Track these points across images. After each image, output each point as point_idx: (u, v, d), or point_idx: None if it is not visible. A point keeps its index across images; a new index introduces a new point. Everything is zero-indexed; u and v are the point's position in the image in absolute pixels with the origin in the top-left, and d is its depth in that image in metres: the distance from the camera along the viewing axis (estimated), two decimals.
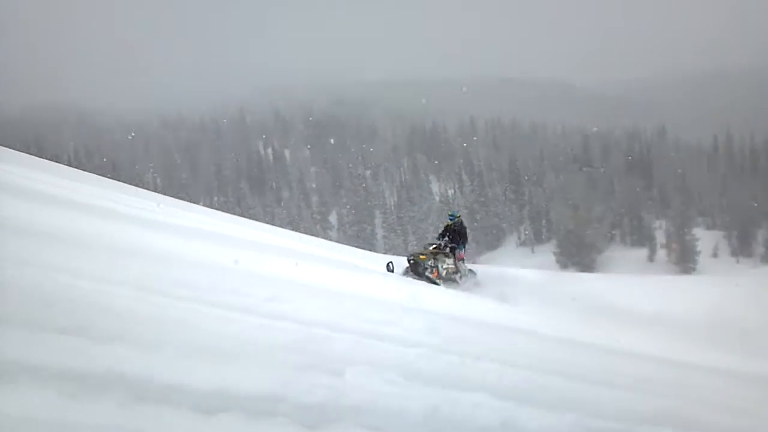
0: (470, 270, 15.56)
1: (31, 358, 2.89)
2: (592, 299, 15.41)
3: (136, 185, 29.73)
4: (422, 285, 12.20)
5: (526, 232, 73.95)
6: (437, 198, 79.38)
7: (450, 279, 14.42)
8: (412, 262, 14.24)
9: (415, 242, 69.00)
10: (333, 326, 4.85)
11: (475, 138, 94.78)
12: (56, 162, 26.82)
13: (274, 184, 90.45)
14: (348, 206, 79.72)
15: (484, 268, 18.01)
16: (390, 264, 14.53)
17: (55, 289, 3.90)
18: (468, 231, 15.87)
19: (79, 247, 5.63)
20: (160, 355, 3.33)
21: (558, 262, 62.71)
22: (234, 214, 37.44)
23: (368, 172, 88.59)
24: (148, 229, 9.19)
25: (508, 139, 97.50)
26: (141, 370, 3.10)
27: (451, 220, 15.67)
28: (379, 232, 76.83)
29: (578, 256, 61.80)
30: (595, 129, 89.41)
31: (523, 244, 73.47)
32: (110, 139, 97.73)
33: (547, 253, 65.36)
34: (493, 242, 74.24)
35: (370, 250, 38.53)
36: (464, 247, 15.51)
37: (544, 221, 73.66)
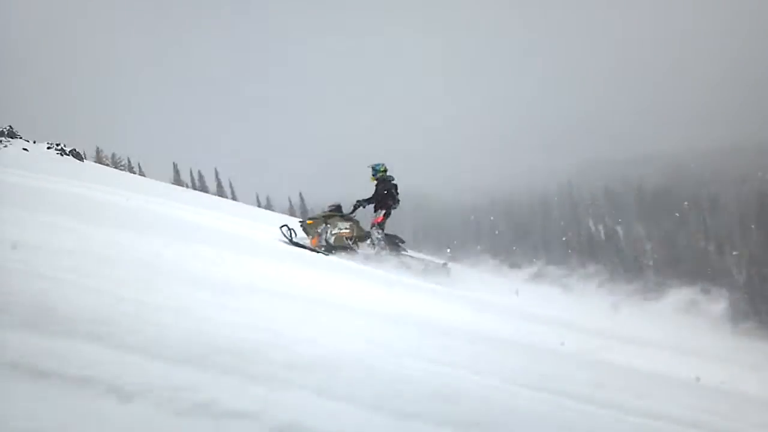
0: (444, 264, 12.76)
1: None
2: None
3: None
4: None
5: None
6: None
7: (343, 246, 12.41)
8: (302, 228, 12.77)
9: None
10: None
11: None
12: None
13: (606, 260, 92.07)
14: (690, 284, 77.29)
15: None
16: (286, 228, 12.60)
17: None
18: (395, 190, 12.95)
19: None
20: None
21: None
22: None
23: (711, 247, 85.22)
24: None
25: None
26: None
27: (374, 175, 13.03)
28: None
29: None
30: None
31: None
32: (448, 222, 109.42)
33: None
34: None
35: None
36: (386, 210, 12.95)
37: None
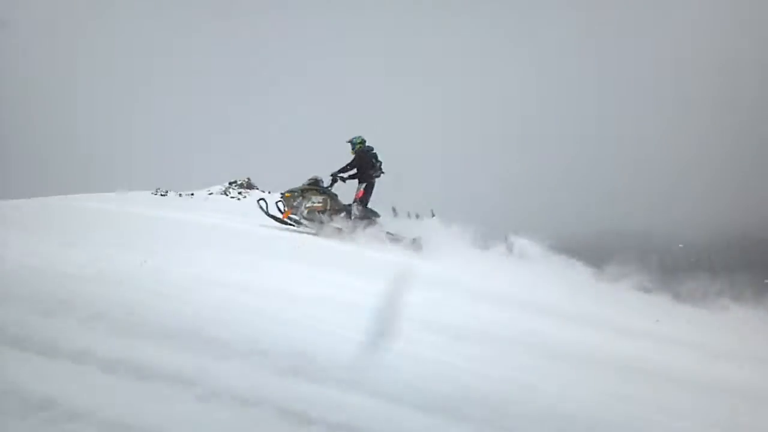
0: (414, 240, 12.34)
1: None
2: None
3: None
4: None
5: None
6: None
7: (315, 219, 12.60)
8: (281, 201, 13.10)
9: None
10: None
11: None
12: None
13: None
14: None
15: None
16: (263, 201, 13.48)
17: None
18: (376, 162, 12.86)
19: None
20: None
21: None
22: None
23: None
24: None
25: None
26: None
27: (352, 149, 12.96)
28: None
29: None
30: None
31: None
32: None
33: None
34: None
35: None
36: (367, 183, 12.85)
37: None
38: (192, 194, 35.69)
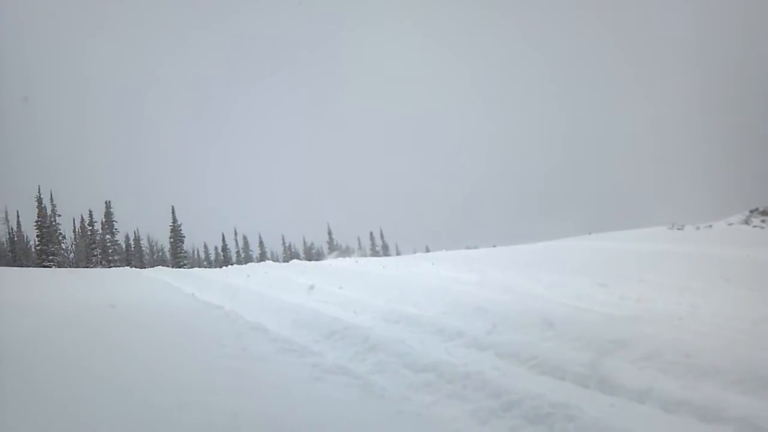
0: None
1: None
2: None
3: None
4: None
5: None
6: None
7: None
8: None
9: None
10: None
11: None
12: None
13: None
14: None
15: None
16: None
17: None
18: None
19: None
20: None
21: None
22: None
23: None
24: None
25: None
26: None
27: None
28: None
29: None
30: None
31: None
32: None
33: None
34: None
35: None
36: None
37: None
38: (710, 226, 33.43)
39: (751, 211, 35.08)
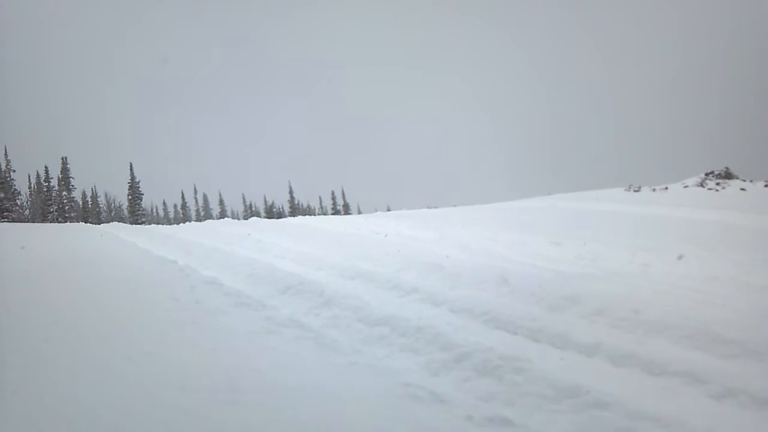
0: None
1: None
2: None
3: None
4: None
5: None
6: None
7: None
8: None
9: None
10: None
11: None
12: None
13: None
14: None
15: None
16: None
17: None
18: None
19: None
20: None
21: None
22: None
23: None
24: None
25: None
26: None
27: None
28: None
29: None
30: None
31: None
32: None
33: None
34: None
35: None
36: None
37: None
38: (666, 188, 34.30)
39: (707, 174, 36.03)
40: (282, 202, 66.89)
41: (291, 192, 63.40)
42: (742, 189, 32.58)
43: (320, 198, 68.19)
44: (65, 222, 41.33)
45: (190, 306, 5.82)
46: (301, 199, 67.73)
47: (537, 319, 5.15)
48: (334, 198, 65.74)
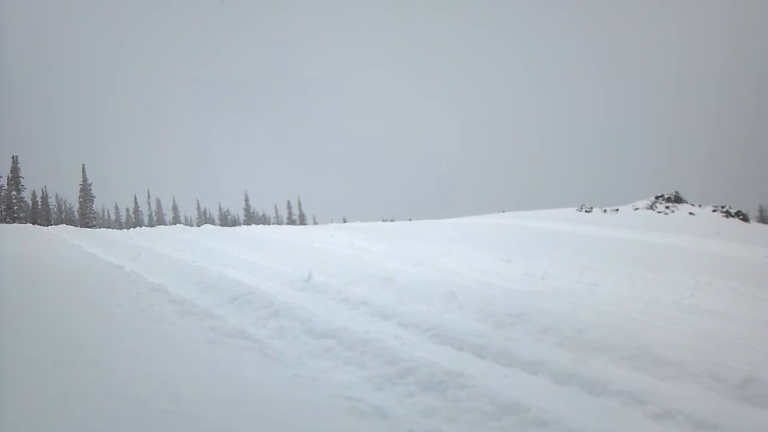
0: None
1: None
2: None
3: None
4: None
5: None
6: None
7: None
8: None
9: None
10: None
11: None
12: None
13: None
14: None
15: None
16: None
17: None
18: None
19: None
20: None
21: None
22: None
23: None
24: None
25: None
26: None
27: None
28: None
29: None
30: None
31: None
32: None
33: None
34: None
35: None
36: None
37: None
38: (617, 210, 35.21)
39: (657, 198, 37.17)
40: (237, 210, 66.08)
41: (247, 200, 62.73)
42: (691, 213, 33.66)
43: (276, 207, 67.59)
44: (13, 222, 39.86)
45: (134, 313, 5.66)
46: (257, 207, 67.01)
47: (483, 336, 5.19)
48: (290, 208, 65.30)
